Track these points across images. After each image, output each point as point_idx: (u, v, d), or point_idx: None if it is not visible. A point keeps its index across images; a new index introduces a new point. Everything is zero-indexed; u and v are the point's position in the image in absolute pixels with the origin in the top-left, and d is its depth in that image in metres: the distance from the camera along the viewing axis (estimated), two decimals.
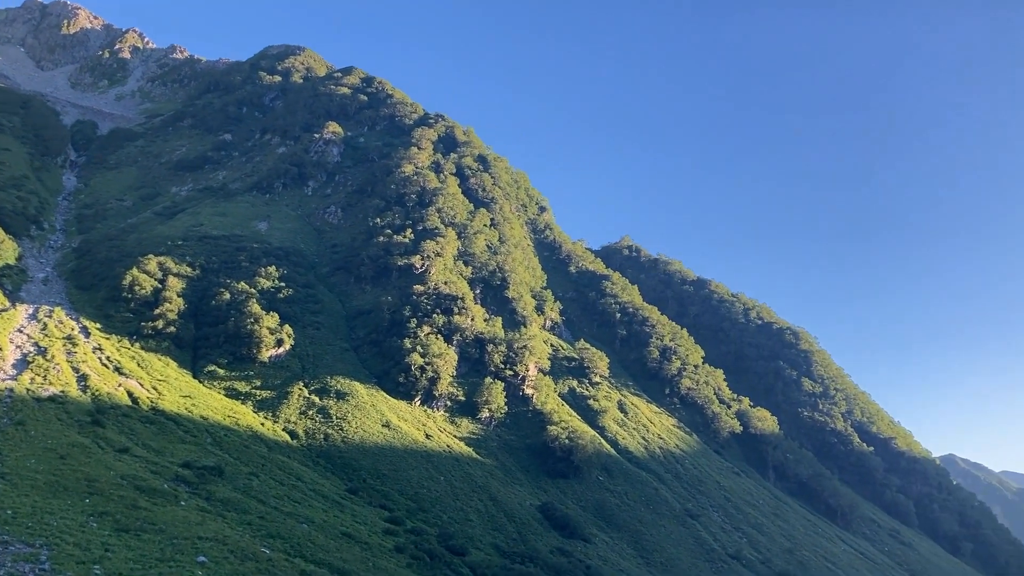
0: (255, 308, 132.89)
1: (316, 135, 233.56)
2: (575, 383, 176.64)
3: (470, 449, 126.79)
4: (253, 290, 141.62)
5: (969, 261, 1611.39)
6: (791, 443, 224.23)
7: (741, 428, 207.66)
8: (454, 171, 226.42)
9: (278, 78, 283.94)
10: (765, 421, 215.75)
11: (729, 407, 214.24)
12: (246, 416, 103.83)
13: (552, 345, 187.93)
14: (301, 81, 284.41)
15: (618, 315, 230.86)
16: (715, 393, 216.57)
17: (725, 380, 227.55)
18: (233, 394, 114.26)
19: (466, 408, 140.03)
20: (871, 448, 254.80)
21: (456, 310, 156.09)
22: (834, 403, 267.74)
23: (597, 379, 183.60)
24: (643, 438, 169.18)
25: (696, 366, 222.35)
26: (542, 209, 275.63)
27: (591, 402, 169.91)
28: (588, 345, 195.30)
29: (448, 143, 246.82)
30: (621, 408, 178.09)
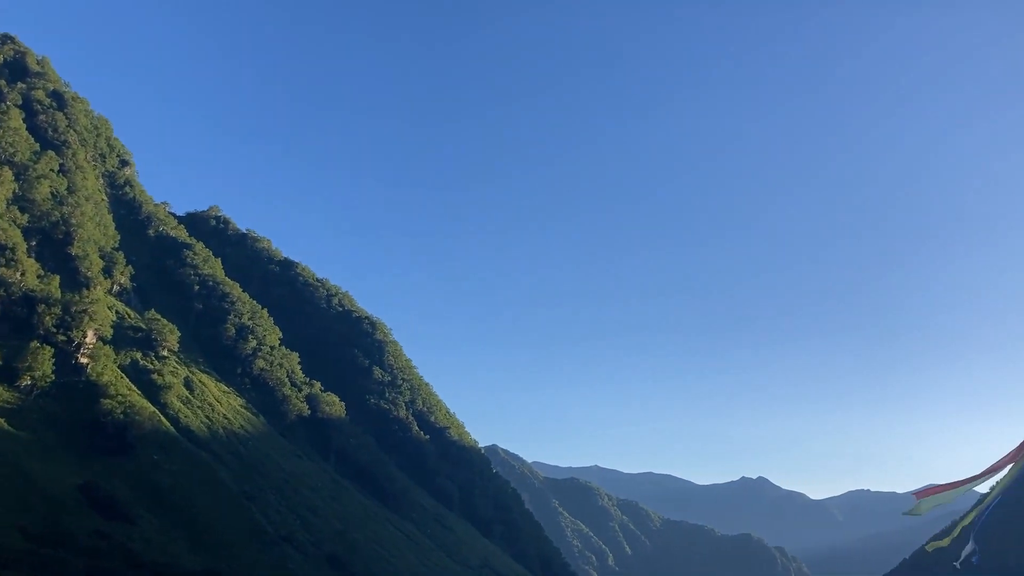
0: None
1: None
2: (140, 355, 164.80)
3: (2, 420, 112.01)
4: None
5: (523, 268, 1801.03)
6: (355, 428, 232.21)
7: (310, 412, 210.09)
8: (20, 103, 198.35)
9: None
10: (333, 406, 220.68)
11: (300, 391, 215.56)
12: None
13: (118, 312, 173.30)
14: None
15: (197, 287, 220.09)
16: (288, 376, 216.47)
17: (300, 363, 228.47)
18: None
19: (3, 374, 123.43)
20: (428, 436, 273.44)
21: (3, 261, 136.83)
22: (400, 392, 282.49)
23: (165, 353, 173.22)
24: (208, 417, 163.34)
25: (273, 347, 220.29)
26: (124, 163, 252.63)
27: (155, 377, 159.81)
28: (159, 316, 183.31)
29: (16, 70, 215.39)
30: (188, 385, 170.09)
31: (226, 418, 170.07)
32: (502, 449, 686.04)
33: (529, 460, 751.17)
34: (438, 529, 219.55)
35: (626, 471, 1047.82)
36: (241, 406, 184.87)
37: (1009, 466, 13.66)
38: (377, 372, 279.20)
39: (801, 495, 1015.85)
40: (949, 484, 14.57)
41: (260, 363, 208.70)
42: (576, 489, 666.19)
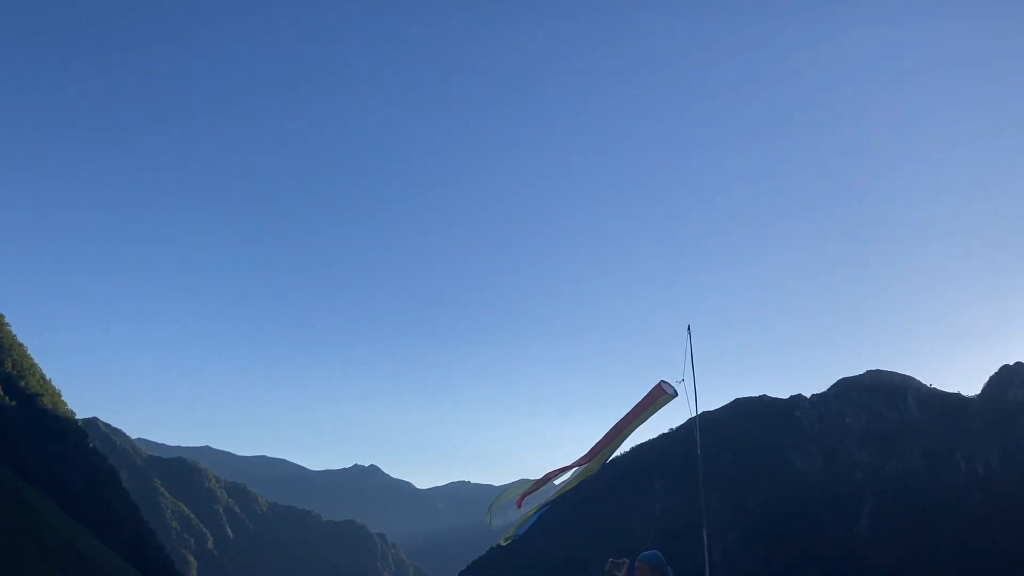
0: None
1: None
2: None
3: None
4: None
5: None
6: None
7: None
8: None
9: None
10: None
11: None
12: None
13: None
14: None
15: None
16: None
17: None
18: None
19: None
20: (15, 403, 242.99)
21: None
22: None
23: None
24: None
25: None
26: None
27: None
28: None
29: None
30: None
31: None
32: (103, 423, 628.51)
33: (134, 436, 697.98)
34: (15, 506, 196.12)
35: (239, 453, 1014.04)
36: None
37: (577, 467, 15.13)
38: None
39: (408, 484, 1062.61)
40: (535, 485, 15.74)
41: None
42: (182, 469, 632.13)
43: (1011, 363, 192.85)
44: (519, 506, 15.37)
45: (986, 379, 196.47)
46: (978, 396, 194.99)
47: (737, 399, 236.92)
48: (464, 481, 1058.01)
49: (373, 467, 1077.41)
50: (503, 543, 16.30)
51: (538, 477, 15.19)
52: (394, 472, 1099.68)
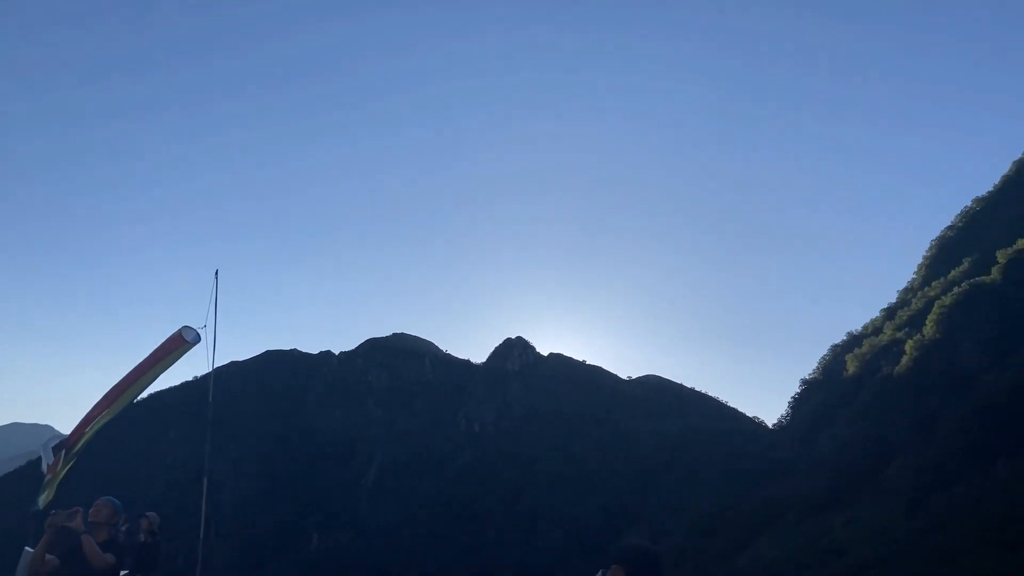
0: None
1: None
2: None
3: None
4: None
5: None
6: None
7: None
8: None
9: None
10: None
11: None
12: None
13: None
14: None
15: None
16: None
17: None
18: None
19: None
20: None
21: None
22: None
23: None
24: None
25: None
26: None
27: None
28: None
29: None
30: None
31: None
32: None
33: None
34: None
35: None
36: None
37: (98, 416, 13.70)
38: None
39: None
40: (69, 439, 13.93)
41: None
42: None
43: (513, 337, 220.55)
44: (56, 466, 13.72)
45: (492, 349, 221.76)
46: (483, 364, 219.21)
47: (268, 351, 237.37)
48: None
49: None
50: (41, 507, 13.97)
51: (66, 431, 13.56)
52: None
